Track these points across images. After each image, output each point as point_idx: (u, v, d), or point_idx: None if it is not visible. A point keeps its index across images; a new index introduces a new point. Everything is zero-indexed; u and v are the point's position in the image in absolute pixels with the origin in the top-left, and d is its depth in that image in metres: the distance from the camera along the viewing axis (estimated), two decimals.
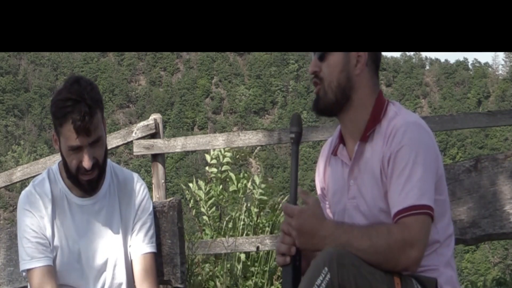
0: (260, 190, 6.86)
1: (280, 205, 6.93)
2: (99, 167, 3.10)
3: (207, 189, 6.93)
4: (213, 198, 6.95)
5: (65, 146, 3.06)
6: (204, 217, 6.91)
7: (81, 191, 3.17)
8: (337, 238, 2.56)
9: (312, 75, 2.77)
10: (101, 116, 3.09)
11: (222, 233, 6.71)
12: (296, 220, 2.58)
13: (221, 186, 7.02)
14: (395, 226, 2.57)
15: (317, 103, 2.77)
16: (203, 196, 6.83)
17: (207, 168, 7.30)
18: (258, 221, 6.82)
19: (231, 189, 6.96)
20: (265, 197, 6.86)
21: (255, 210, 6.80)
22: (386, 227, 2.58)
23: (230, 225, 6.77)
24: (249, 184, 6.94)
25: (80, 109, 2.98)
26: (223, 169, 7.08)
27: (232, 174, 6.96)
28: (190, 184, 6.99)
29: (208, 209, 6.86)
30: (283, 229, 2.67)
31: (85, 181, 3.11)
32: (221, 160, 7.07)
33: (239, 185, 6.94)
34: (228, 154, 7.06)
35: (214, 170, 7.12)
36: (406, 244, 2.53)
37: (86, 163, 3.05)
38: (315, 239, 2.58)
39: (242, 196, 6.95)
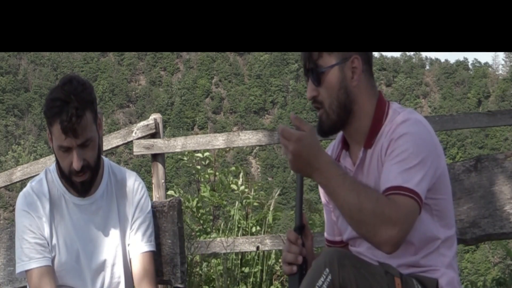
0: (244, 188, 6.89)
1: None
2: (91, 169, 3.09)
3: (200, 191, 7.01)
4: (203, 199, 7.00)
5: (56, 145, 3.06)
6: (187, 220, 6.94)
7: (75, 192, 3.16)
8: (329, 177, 2.52)
9: (311, 100, 2.73)
10: (93, 117, 3.06)
11: (219, 233, 6.73)
12: (294, 145, 2.53)
13: (209, 188, 7.05)
14: (385, 199, 2.51)
15: (322, 126, 2.72)
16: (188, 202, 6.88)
17: (198, 167, 7.35)
18: (248, 221, 6.83)
19: (218, 188, 7.01)
20: (251, 200, 6.89)
21: (238, 209, 6.81)
22: (376, 194, 2.52)
23: (216, 225, 6.82)
24: (239, 185, 6.98)
25: (67, 111, 2.98)
26: (209, 170, 7.14)
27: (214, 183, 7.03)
28: (171, 192, 7.04)
29: (195, 211, 6.90)
30: (289, 238, 2.65)
31: (78, 183, 3.10)
32: (204, 162, 7.14)
33: (225, 185, 6.98)
34: (206, 154, 7.12)
35: (197, 167, 7.19)
36: (389, 221, 2.47)
37: (75, 164, 3.03)
38: (308, 168, 2.54)
39: (224, 197, 6.99)
